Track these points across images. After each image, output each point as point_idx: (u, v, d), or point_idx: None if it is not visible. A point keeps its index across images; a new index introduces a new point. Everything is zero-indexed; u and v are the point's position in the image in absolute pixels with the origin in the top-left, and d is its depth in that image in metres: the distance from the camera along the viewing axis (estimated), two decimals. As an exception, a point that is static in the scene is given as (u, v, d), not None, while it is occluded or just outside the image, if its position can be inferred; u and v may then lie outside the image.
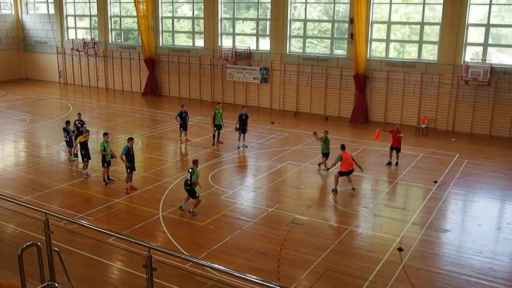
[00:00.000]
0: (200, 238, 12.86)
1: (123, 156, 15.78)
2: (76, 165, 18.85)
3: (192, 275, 10.66)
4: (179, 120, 21.55)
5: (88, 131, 18.06)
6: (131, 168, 15.96)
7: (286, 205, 15.24)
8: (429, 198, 15.79)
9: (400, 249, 12.22)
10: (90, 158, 17.58)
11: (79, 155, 17.98)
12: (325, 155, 18.30)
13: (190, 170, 14.10)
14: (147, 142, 22.46)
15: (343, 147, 16.57)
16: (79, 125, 19.93)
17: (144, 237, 12.30)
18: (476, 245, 12.55)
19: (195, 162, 14.38)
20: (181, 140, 21.89)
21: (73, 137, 19.37)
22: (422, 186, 16.99)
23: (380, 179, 17.90)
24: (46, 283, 6.27)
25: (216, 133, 21.60)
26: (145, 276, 5.34)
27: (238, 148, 21.15)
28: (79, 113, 20.95)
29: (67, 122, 19.63)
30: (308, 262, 11.56)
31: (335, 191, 16.07)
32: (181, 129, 21.71)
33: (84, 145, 17.37)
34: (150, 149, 21.45)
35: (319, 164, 18.47)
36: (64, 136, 19.46)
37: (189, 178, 14.03)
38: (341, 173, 16.21)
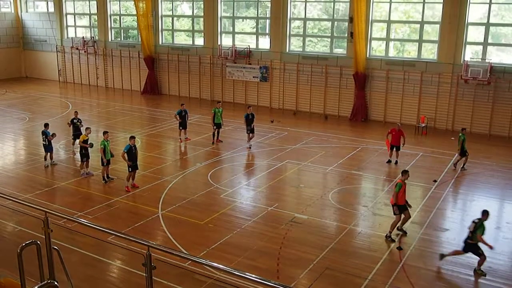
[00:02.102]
0: (200, 237, 12.86)
1: (125, 155, 15.76)
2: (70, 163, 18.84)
3: (192, 273, 10.66)
4: (178, 118, 21.55)
5: (89, 128, 17.74)
6: (132, 166, 15.95)
7: (286, 203, 15.26)
8: (428, 197, 15.80)
9: (399, 248, 12.23)
10: (89, 158, 17.50)
11: (79, 155, 17.77)
12: (463, 153, 18.41)
13: (476, 221, 10.97)
14: (147, 140, 22.46)
15: (404, 172, 13.05)
16: (78, 123, 19.55)
17: (143, 235, 12.31)
18: (475, 244, 12.55)
19: (485, 213, 11.05)
20: (180, 138, 21.89)
21: (74, 138, 19.22)
22: (422, 185, 16.99)
23: (380, 178, 17.91)
24: (45, 282, 6.27)
25: (215, 132, 21.59)
26: (145, 274, 5.34)
27: (250, 147, 20.98)
28: (75, 112, 20.45)
29: (46, 125, 18.41)
30: (307, 260, 11.56)
31: (391, 239, 12.75)
32: (181, 128, 21.71)
33: (85, 143, 17.22)
34: (150, 147, 21.45)
35: (456, 164, 18.70)
36: (43, 140, 18.15)
37: (472, 230, 10.95)
38: (400, 208, 12.80)
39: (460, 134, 18.36)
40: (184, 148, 21.39)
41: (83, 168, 17.38)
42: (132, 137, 16.22)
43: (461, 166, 18.60)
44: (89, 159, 17.46)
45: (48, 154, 18.33)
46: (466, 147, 18.40)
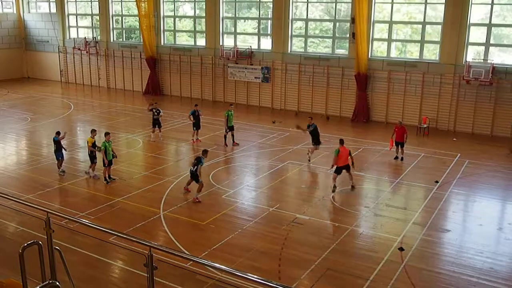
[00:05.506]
0: (201, 237, 12.87)
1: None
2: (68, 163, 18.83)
3: (193, 274, 10.66)
4: (192, 119, 21.52)
5: (95, 130, 17.54)
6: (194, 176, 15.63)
7: (287, 204, 15.25)
8: (430, 198, 15.78)
9: (401, 249, 12.21)
10: (96, 159, 17.37)
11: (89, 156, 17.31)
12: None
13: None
14: (148, 141, 22.45)
15: (341, 142, 16.50)
16: (156, 113, 21.70)
17: (145, 236, 12.30)
18: (477, 245, 12.54)
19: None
20: (197, 139, 21.78)
21: (153, 126, 21.91)
22: (423, 186, 16.98)
23: (381, 179, 17.91)
24: (47, 282, 6.28)
25: (229, 134, 21.21)
26: (146, 275, 5.35)
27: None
28: (155, 102, 23.30)
29: (58, 133, 17.73)
30: (309, 261, 11.56)
31: (335, 188, 16.13)
32: (195, 128, 21.68)
33: (94, 146, 17.10)
34: (151, 148, 21.45)
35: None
36: (63, 148, 17.74)
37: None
38: (337, 169, 16.20)
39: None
40: (186, 149, 21.39)
41: (91, 167, 17.24)
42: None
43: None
44: (96, 162, 17.38)
45: (58, 161, 17.71)
46: None
